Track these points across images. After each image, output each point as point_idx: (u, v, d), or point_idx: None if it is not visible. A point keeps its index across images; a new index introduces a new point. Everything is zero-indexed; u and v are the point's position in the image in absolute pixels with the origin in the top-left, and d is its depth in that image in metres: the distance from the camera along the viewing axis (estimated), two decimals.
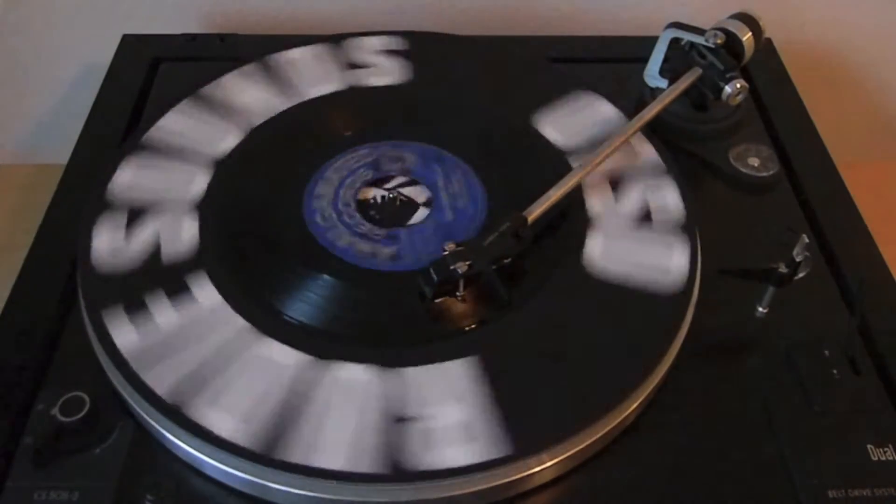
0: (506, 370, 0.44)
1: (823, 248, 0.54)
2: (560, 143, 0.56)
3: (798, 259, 0.47)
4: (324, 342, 0.45)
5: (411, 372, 0.44)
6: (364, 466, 0.40)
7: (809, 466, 0.43)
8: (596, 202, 0.52)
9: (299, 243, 0.51)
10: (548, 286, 0.48)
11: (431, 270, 0.47)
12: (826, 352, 0.47)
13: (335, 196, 0.53)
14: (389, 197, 0.54)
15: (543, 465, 0.42)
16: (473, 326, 0.47)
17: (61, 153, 0.59)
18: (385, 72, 0.61)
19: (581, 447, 0.42)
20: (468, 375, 0.44)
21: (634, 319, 0.46)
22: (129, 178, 0.53)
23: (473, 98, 0.59)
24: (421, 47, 0.63)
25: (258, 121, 0.57)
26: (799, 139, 0.61)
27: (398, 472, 0.40)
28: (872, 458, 0.43)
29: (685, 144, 0.59)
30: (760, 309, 0.49)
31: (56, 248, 0.51)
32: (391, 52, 0.62)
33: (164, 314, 0.46)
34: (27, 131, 0.81)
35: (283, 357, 0.44)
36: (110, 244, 0.49)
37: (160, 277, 0.48)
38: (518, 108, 0.58)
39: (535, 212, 0.49)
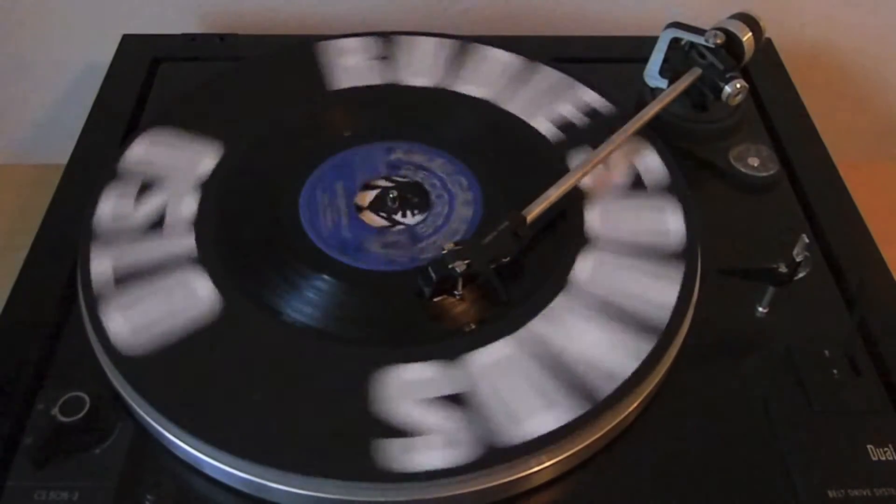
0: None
1: (823, 248, 0.54)
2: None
3: (798, 259, 0.47)
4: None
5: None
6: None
7: (809, 466, 0.43)
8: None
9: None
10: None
11: (430, 269, 0.47)
12: (826, 352, 0.47)
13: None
14: (387, 196, 0.54)
15: (543, 465, 0.42)
16: (472, 326, 0.47)
17: (61, 153, 0.59)
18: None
19: (581, 447, 0.42)
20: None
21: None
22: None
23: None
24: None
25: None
26: (799, 139, 0.61)
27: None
28: (872, 458, 0.43)
29: (685, 144, 0.59)
30: (760, 309, 0.49)
31: (56, 248, 0.51)
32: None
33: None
34: (27, 131, 0.81)
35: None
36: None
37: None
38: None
39: (534, 211, 0.49)
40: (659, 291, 0.47)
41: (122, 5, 0.74)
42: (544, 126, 0.57)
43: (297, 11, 0.75)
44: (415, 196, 0.54)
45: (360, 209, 0.53)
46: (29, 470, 0.41)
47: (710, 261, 0.50)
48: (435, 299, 0.47)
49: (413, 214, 0.53)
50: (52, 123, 0.81)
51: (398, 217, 0.53)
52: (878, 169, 0.75)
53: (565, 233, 0.51)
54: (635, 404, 0.44)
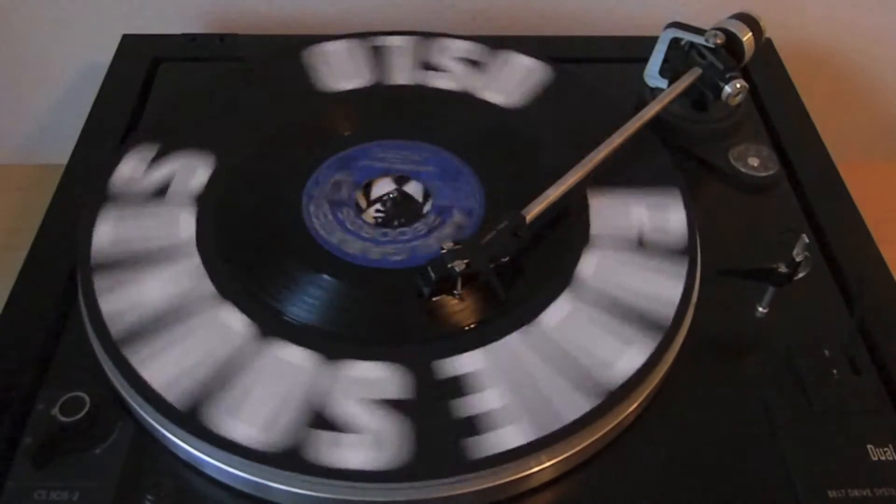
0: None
1: (823, 248, 0.54)
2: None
3: (798, 259, 0.47)
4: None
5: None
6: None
7: (809, 466, 0.43)
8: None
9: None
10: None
11: (429, 269, 0.47)
12: (826, 352, 0.47)
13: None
14: (387, 196, 0.54)
15: (543, 465, 0.42)
16: (472, 325, 0.47)
17: (61, 153, 0.59)
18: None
19: (581, 447, 0.42)
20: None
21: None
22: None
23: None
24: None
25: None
26: (799, 139, 0.61)
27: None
28: (872, 458, 0.43)
29: (685, 144, 0.59)
30: (760, 309, 0.49)
31: (56, 248, 0.51)
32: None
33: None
34: (27, 131, 0.81)
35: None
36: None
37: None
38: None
39: (534, 211, 0.49)
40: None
41: (122, 5, 0.74)
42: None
43: (297, 11, 0.75)
44: (415, 195, 0.54)
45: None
46: (29, 470, 0.41)
47: (711, 261, 0.50)
48: (434, 298, 0.47)
49: (413, 213, 0.53)
50: (52, 123, 0.81)
51: (398, 216, 0.53)
52: (878, 169, 0.75)
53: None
54: (635, 405, 0.44)
